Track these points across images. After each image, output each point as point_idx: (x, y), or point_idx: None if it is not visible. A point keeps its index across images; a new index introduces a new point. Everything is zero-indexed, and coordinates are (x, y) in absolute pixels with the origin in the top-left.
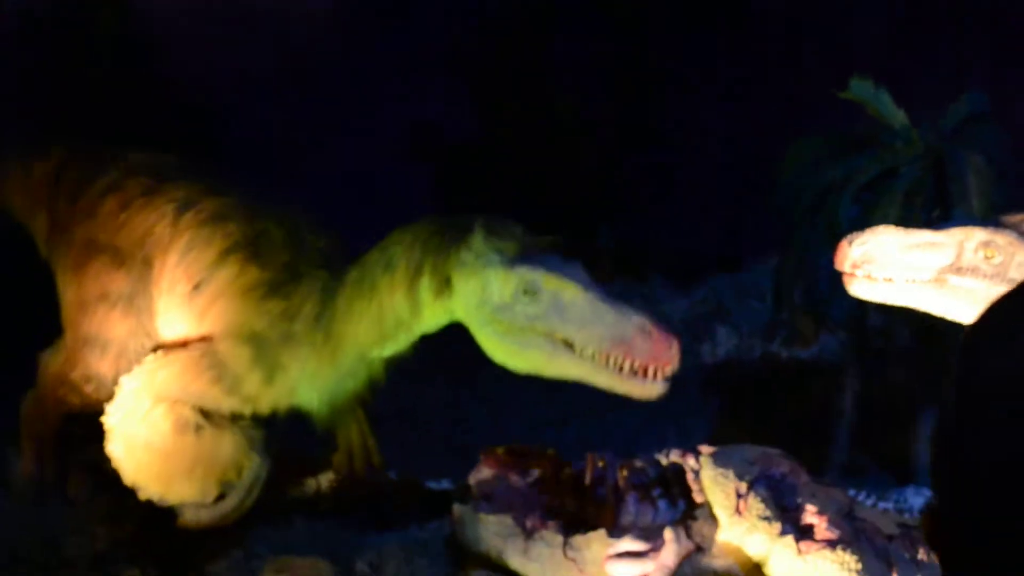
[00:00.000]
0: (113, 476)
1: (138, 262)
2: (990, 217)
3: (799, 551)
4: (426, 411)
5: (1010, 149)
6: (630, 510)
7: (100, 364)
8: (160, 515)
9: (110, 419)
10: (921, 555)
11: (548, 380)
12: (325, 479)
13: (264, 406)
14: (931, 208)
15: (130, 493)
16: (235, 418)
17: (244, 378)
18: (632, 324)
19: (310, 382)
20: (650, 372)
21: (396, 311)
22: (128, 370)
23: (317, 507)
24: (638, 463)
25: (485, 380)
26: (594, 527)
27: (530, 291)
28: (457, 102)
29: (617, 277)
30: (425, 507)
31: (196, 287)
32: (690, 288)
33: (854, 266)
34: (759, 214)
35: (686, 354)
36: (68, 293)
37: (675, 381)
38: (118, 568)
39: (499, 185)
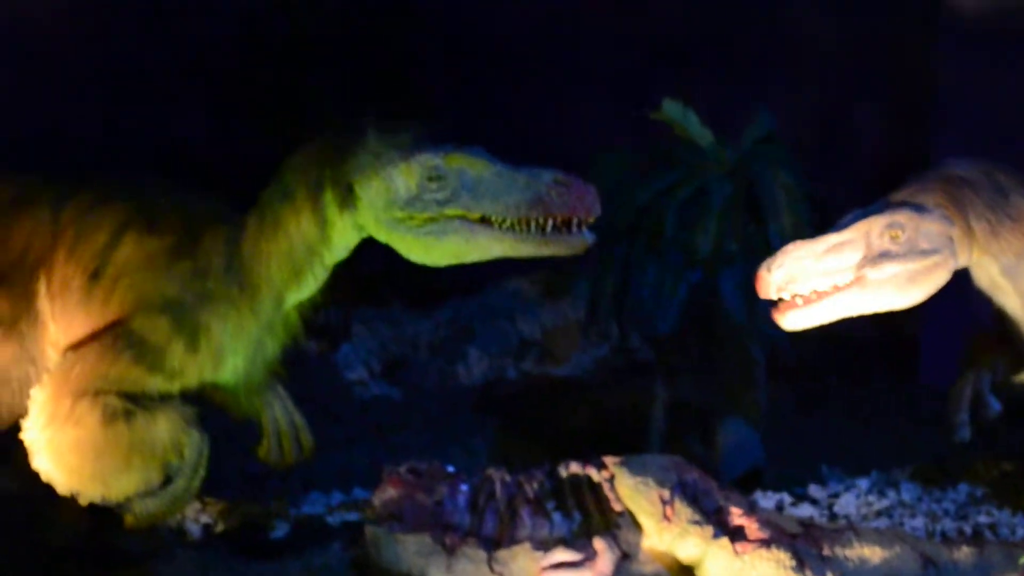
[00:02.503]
0: None
1: (20, 279)
2: (875, 203)
3: (736, 552)
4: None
5: (798, 168)
6: (525, 523)
7: None
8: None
9: (29, 434)
10: (825, 551)
11: (329, 402)
12: (192, 509)
13: (191, 378)
14: (745, 223)
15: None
16: (163, 398)
17: (166, 350)
18: (544, 181)
19: (234, 341)
20: (573, 225)
21: (305, 238)
22: (11, 401)
23: (185, 538)
24: (534, 476)
25: None
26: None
27: (435, 176)
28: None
29: (357, 302)
30: (304, 532)
31: (94, 275)
32: (433, 311)
33: (780, 290)
34: None
35: (444, 376)
36: None
37: (447, 404)
38: None
39: None
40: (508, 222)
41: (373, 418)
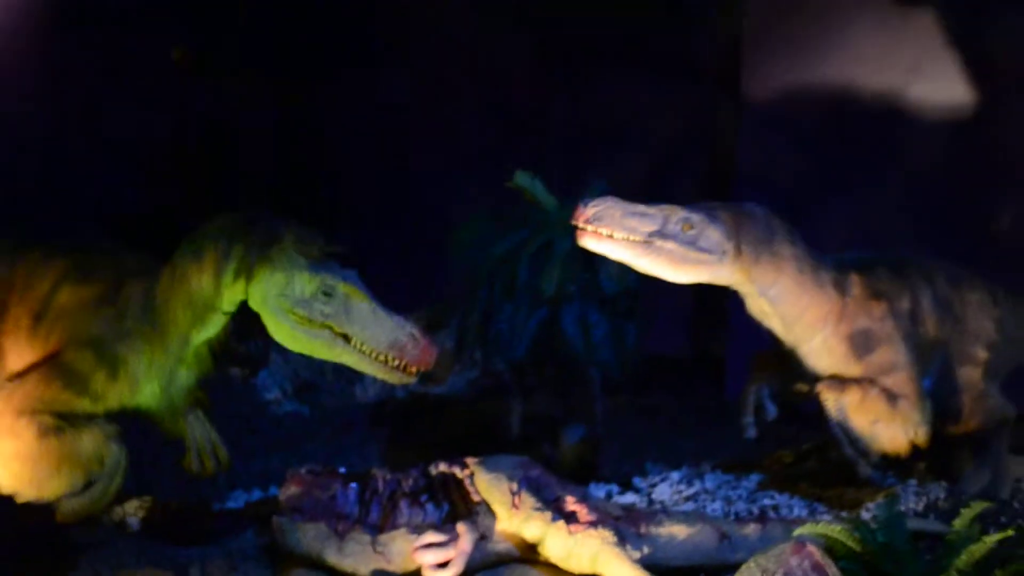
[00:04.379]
0: None
1: None
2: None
3: (569, 532)
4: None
5: None
6: (403, 513)
7: None
8: None
9: None
10: (642, 530)
11: (250, 418)
12: (131, 506)
13: (113, 401)
14: (582, 270)
15: None
16: (90, 418)
17: (90, 377)
18: (405, 332)
19: (148, 370)
20: (410, 368)
21: (203, 292)
22: None
23: (125, 530)
24: (410, 475)
25: None
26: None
27: (327, 293)
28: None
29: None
30: (225, 523)
31: (37, 317)
32: None
33: (586, 220)
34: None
35: (345, 396)
36: None
37: (347, 418)
38: None
39: None
40: (366, 348)
41: (286, 431)
